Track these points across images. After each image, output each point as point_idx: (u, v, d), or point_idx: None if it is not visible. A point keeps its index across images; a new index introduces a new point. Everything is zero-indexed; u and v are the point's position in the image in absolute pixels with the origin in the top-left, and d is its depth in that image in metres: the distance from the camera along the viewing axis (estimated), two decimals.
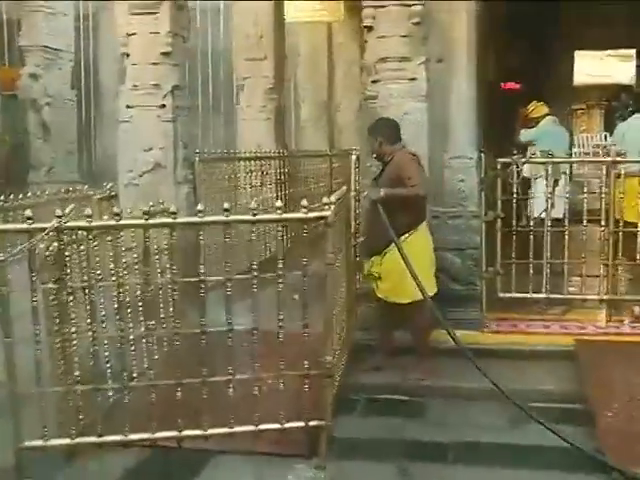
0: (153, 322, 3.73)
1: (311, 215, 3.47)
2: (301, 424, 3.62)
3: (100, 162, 13.35)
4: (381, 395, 4.77)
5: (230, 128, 8.97)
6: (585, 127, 21.53)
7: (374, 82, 5.19)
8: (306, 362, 3.58)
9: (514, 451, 4.06)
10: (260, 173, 7.43)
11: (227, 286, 3.42)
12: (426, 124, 5.13)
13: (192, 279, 3.42)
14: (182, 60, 5.71)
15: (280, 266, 3.49)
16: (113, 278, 3.52)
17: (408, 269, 4.30)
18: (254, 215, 3.37)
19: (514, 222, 5.66)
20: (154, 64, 5.51)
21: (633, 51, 21.31)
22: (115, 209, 3.35)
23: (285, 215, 3.43)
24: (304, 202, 3.46)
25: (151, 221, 3.30)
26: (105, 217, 3.71)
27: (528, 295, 5.72)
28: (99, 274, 3.48)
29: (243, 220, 3.46)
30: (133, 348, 3.58)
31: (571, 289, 5.81)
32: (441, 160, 5.31)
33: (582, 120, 21.29)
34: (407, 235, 4.60)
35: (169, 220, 3.27)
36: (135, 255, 3.75)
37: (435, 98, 5.23)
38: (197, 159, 5.88)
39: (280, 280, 3.48)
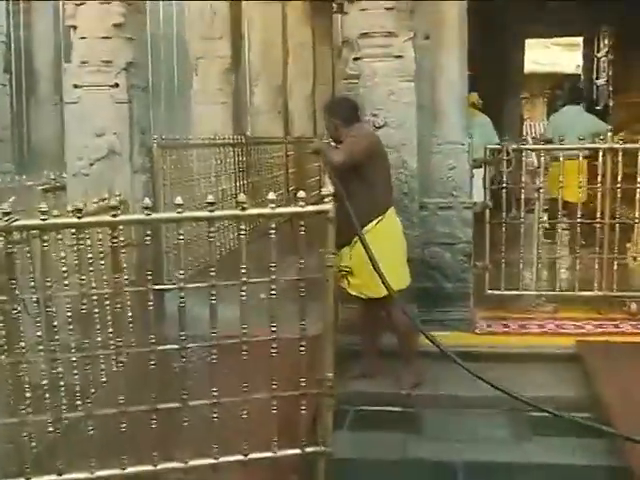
0: (117, 338, 3.14)
1: (310, 209, 2.97)
2: (297, 451, 3.12)
3: (35, 151, 12.54)
4: (370, 407, 4.33)
5: (185, 112, 8.35)
6: (529, 115, 21.67)
7: (356, 59, 4.70)
8: (303, 379, 3.08)
9: (521, 471, 3.71)
10: (220, 161, 6.87)
11: (212, 294, 2.88)
12: (414, 106, 4.68)
13: (170, 286, 2.87)
14: (137, 33, 5.11)
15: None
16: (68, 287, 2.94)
17: (372, 264, 3.82)
18: (243, 210, 2.85)
19: (504, 214, 5.29)
20: (105, 38, 4.89)
21: (579, 39, 21.37)
22: (75, 204, 2.76)
23: (280, 209, 2.91)
24: (301, 194, 2.96)
25: (123, 217, 2.74)
26: (55, 212, 3.11)
27: (518, 292, 5.37)
28: (54, 281, 2.90)
29: (229, 215, 2.95)
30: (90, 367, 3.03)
31: (564, 285, 5.48)
32: (429, 146, 4.87)
33: (526, 109, 21.37)
34: (375, 222, 4.16)
35: (144, 217, 2.71)
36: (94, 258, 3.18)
37: (422, 78, 4.77)
38: (155, 145, 5.28)
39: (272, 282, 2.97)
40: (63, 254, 3.03)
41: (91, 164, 4.96)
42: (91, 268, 3.01)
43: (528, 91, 20.70)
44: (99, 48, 4.89)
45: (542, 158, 5.25)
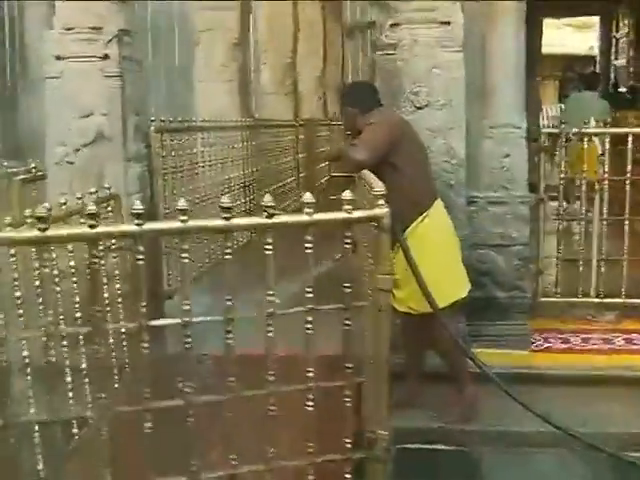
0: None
1: (360, 215, 2.21)
2: None
3: (24, 135, 11.75)
4: (414, 444, 3.59)
5: (186, 90, 7.55)
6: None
7: (393, 26, 3.92)
8: (347, 439, 2.33)
9: None
10: (227, 147, 6.10)
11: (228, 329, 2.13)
12: (463, 82, 3.91)
13: (174, 321, 2.10)
14: None
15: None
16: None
17: (414, 274, 3.15)
18: (270, 217, 2.09)
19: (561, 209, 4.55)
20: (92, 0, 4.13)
21: (593, 19, 20.48)
22: (45, 206, 1.99)
23: (320, 216, 2.15)
24: (347, 194, 2.20)
25: (105, 228, 1.97)
26: (28, 212, 2.36)
27: (577, 299, 4.61)
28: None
29: (253, 225, 2.22)
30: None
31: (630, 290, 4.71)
32: (479, 129, 4.10)
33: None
34: (418, 220, 3.43)
35: (136, 228, 1.93)
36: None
37: (469, 48, 3.99)
38: (153, 129, 4.52)
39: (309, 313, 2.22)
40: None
41: (76, 150, 4.20)
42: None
43: (539, 73, 19.93)
44: (86, 12, 4.13)
45: (607, 143, 4.46)
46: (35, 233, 1.88)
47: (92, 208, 1.92)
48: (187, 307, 2.07)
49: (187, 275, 2.11)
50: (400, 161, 3.44)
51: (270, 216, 2.11)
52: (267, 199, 2.12)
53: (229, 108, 7.08)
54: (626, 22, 17.52)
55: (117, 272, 3.41)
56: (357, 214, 2.22)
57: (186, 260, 2.07)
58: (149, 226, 1.99)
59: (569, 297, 4.61)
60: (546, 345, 4.29)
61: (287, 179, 9.16)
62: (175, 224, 1.97)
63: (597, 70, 16.01)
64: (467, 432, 3.61)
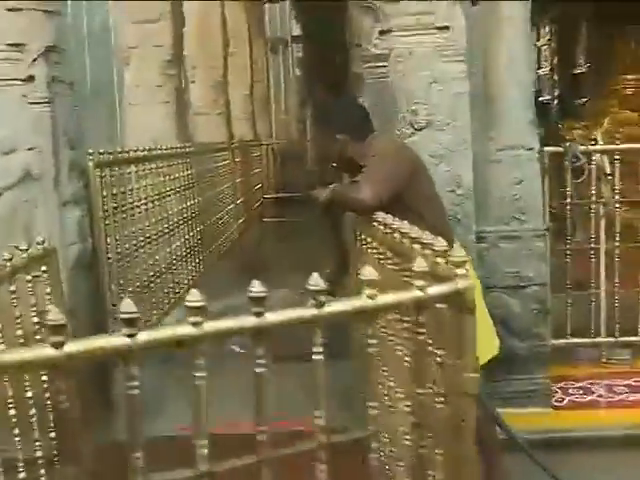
0: None
1: (439, 291, 1.58)
2: None
3: None
4: None
5: (109, 113, 6.74)
6: None
7: (383, 33, 3.32)
8: None
9: None
10: (167, 176, 5.37)
11: None
12: (467, 98, 3.33)
13: None
14: (59, 7, 3.60)
15: None
16: None
17: None
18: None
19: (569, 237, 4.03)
20: (14, 10, 3.37)
21: None
22: None
23: (385, 299, 1.51)
24: (420, 263, 1.56)
25: (74, 345, 1.26)
26: None
27: (591, 339, 4.10)
28: None
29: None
30: None
31: None
32: (484, 152, 3.53)
33: None
34: None
35: (126, 342, 1.23)
36: None
37: (470, 57, 3.43)
38: (91, 163, 3.77)
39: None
40: None
41: None
42: None
43: None
44: (6, 24, 3.37)
45: (617, 163, 3.97)
46: None
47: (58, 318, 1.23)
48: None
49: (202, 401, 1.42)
50: (414, 201, 2.83)
51: (320, 305, 1.46)
52: (314, 281, 1.46)
53: (165, 132, 6.34)
54: (547, 30, 17.55)
55: None
56: (434, 290, 1.59)
57: (202, 381, 1.38)
58: (148, 337, 1.31)
59: (580, 337, 4.09)
60: (568, 400, 3.74)
61: (227, 207, 8.49)
62: (197, 330, 1.30)
63: None
64: None
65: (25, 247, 2.97)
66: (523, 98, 3.53)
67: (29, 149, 3.41)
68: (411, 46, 3.30)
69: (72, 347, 1.27)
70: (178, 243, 5.58)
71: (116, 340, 1.31)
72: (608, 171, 4.05)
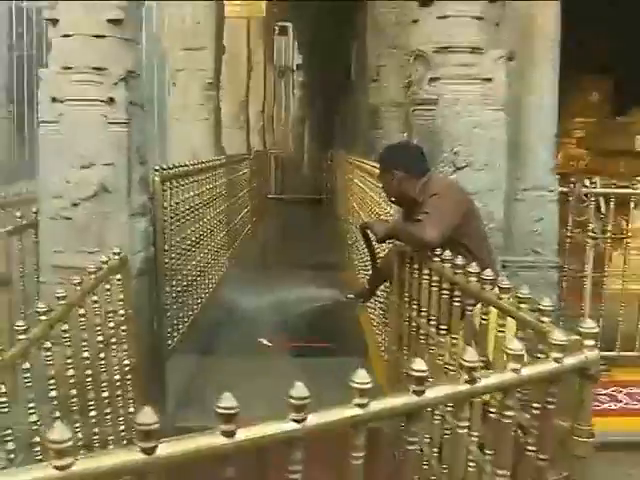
0: None
1: (574, 363, 1.30)
2: None
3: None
4: None
5: (163, 131, 6.37)
6: None
7: (433, 80, 3.02)
8: None
9: None
10: (209, 186, 5.04)
11: None
12: (504, 143, 3.05)
13: None
14: (137, 34, 3.25)
15: None
16: None
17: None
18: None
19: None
20: (97, 37, 3.01)
21: None
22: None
23: (527, 371, 1.23)
24: (557, 335, 1.28)
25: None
26: None
27: None
28: None
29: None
30: None
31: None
32: (511, 191, 3.26)
33: None
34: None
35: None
36: None
37: (506, 108, 3.14)
38: (157, 178, 3.43)
39: None
40: None
41: (75, 205, 3.07)
42: None
43: None
44: (88, 49, 3.01)
45: (611, 202, 3.70)
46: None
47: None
48: None
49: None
50: (466, 238, 2.54)
51: (473, 381, 1.17)
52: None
53: (204, 146, 5.98)
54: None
55: None
56: (570, 362, 1.31)
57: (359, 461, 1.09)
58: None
59: None
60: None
61: (244, 209, 8.15)
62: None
63: None
64: None
65: (105, 259, 2.66)
66: (547, 146, 3.26)
67: (106, 164, 3.06)
68: (458, 93, 3.00)
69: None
70: (212, 244, 5.26)
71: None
72: (603, 210, 3.79)
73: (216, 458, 0.96)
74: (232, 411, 0.94)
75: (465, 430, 1.20)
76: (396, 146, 2.95)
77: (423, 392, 1.10)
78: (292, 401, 0.99)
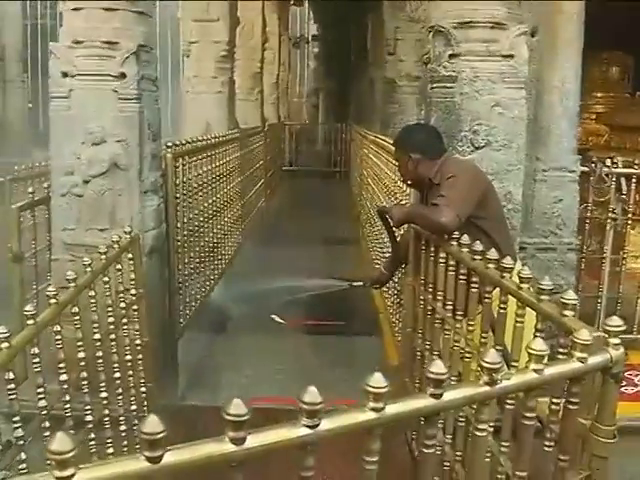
0: None
1: (599, 361, 1.24)
2: None
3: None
4: None
5: (178, 105, 6.29)
6: None
7: (453, 57, 2.91)
8: None
9: None
10: (223, 160, 4.96)
11: None
12: (525, 122, 2.94)
13: None
14: (150, 6, 3.15)
15: None
16: None
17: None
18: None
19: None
20: (108, 10, 2.93)
21: None
22: None
23: (550, 370, 1.17)
24: (582, 334, 1.22)
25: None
26: None
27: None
28: None
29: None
30: None
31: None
32: (531, 172, 3.16)
33: None
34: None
35: None
36: None
37: (527, 85, 3.03)
38: (169, 154, 3.37)
39: None
40: None
41: (86, 182, 3.02)
42: None
43: None
44: (99, 23, 2.93)
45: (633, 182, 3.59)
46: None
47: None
48: None
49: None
50: (483, 221, 2.47)
51: (493, 382, 1.11)
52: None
53: (217, 119, 5.89)
54: None
55: None
56: (594, 361, 1.25)
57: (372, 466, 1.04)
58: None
59: None
60: None
61: (260, 181, 8.09)
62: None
63: None
64: None
65: (116, 238, 2.62)
66: (569, 125, 3.15)
67: (118, 141, 3.00)
68: (477, 71, 2.89)
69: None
70: (226, 219, 5.21)
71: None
72: (624, 191, 3.68)
73: (225, 466, 0.92)
74: (242, 418, 0.90)
75: (485, 433, 1.15)
76: (411, 128, 2.86)
77: (441, 395, 1.05)
78: (305, 406, 0.94)
